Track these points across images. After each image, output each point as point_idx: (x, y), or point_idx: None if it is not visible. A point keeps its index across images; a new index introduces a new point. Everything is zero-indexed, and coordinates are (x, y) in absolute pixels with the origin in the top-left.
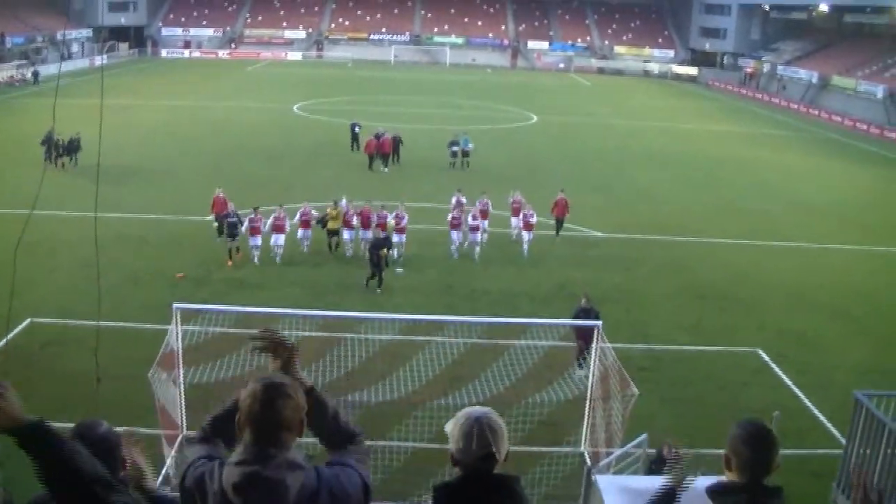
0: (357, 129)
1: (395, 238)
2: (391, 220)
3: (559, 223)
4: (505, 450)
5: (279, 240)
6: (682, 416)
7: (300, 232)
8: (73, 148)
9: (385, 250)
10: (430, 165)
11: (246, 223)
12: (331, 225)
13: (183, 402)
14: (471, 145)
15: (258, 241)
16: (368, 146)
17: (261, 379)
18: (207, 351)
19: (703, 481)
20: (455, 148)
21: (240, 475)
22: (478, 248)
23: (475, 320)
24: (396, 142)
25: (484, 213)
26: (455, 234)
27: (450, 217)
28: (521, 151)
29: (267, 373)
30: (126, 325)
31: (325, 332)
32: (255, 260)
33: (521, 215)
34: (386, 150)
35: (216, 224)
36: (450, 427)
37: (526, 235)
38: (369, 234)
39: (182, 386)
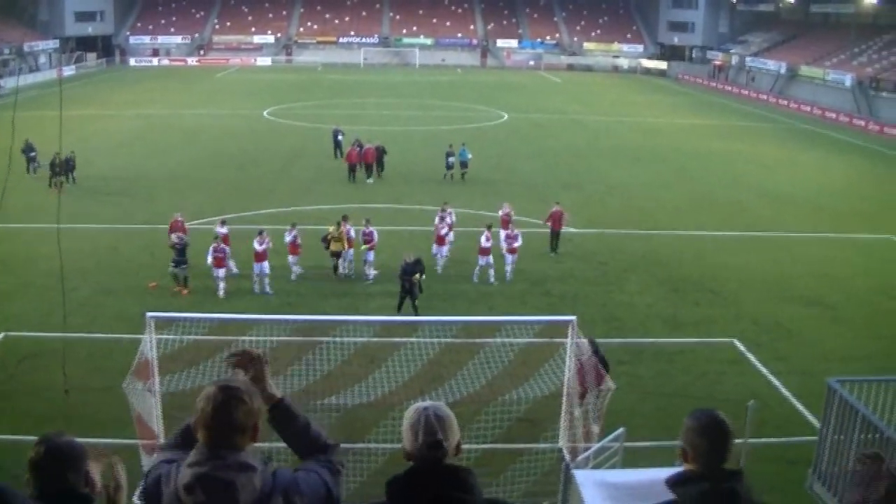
0: (340, 137)
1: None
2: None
3: (555, 237)
4: (454, 439)
5: (264, 268)
6: (660, 408)
7: (290, 258)
8: (69, 167)
9: (418, 275)
10: (413, 175)
11: (210, 253)
12: (334, 247)
13: (159, 411)
14: (469, 156)
15: (221, 272)
16: (350, 156)
17: (217, 382)
18: (182, 359)
19: (662, 473)
20: (451, 159)
21: (190, 476)
22: (492, 271)
23: (450, 320)
24: (380, 151)
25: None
26: (442, 250)
27: (443, 231)
28: (492, 150)
29: (227, 377)
30: (100, 337)
31: (301, 336)
32: (221, 293)
33: (507, 231)
34: (369, 160)
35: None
36: (404, 421)
37: (509, 258)
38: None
39: (158, 395)
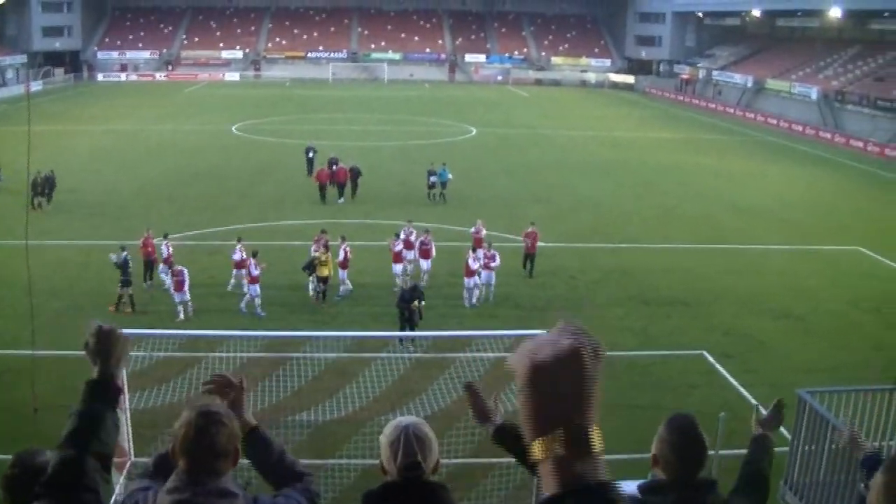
0: (312, 154)
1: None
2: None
3: (529, 259)
4: (433, 461)
5: (256, 290)
6: (631, 421)
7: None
8: (48, 186)
9: (416, 302)
10: (384, 191)
11: (168, 277)
12: (321, 271)
13: (129, 428)
14: (449, 176)
15: (185, 296)
16: (320, 175)
17: (196, 407)
18: (153, 376)
19: (635, 485)
20: (434, 178)
21: (170, 502)
22: (477, 291)
23: (420, 335)
24: (355, 172)
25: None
26: (398, 268)
27: (397, 248)
28: (461, 165)
29: (203, 401)
30: (69, 354)
31: (271, 352)
32: (181, 316)
33: (481, 250)
34: (341, 180)
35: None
36: (382, 436)
37: (485, 276)
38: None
39: (128, 412)
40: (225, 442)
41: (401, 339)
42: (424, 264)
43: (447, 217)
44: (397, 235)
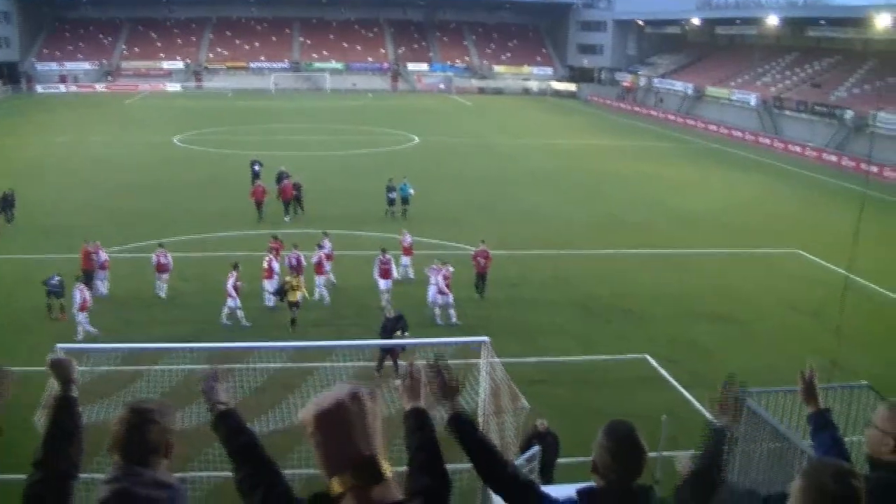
0: (257, 168)
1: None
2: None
3: (481, 279)
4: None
5: (236, 303)
6: (574, 425)
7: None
8: (6, 204)
9: (399, 333)
10: (326, 200)
11: (104, 285)
12: (292, 296)
13: None
14: (411, 191)
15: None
16: (256, 191)
17: (129, 405)
18: (95, 391)
19: (571, 488)
20: (392, 195)
21: (108, 491)
22: (452, 311)
23: (364, 343)
24: (297, 188)
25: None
26: (319, 279)
27: (315, 260)
28: (403, 174)
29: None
30: (12, 370)
31: (214, 363)
32: (79, 335)
33: (437, 278)
34: (287, 197)
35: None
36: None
37: (442, 299)
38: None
39: None
40: (155, 438)
41: (379, 368)
42: (383, 284)
43: (390, 227)
44: (319, 246)
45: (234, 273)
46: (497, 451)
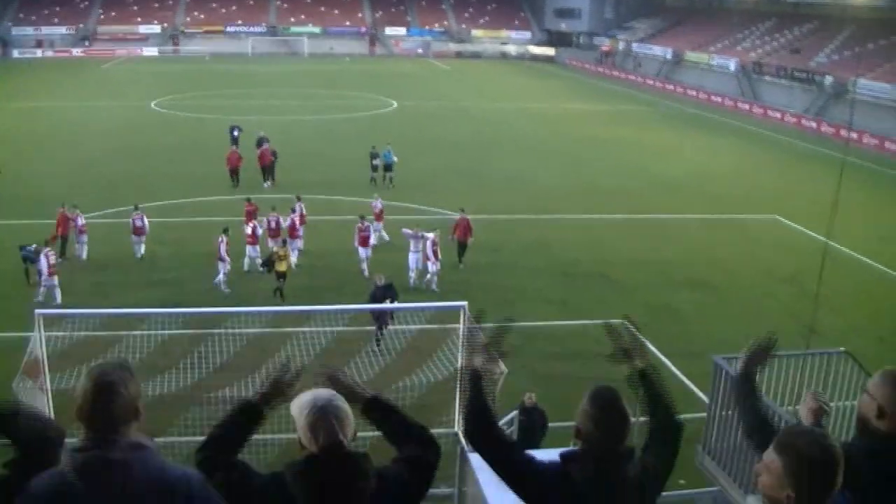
0: (236, 133)
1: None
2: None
3: (462, 248)
4: (351, 433)
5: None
6: (552, 390)
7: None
8: None
9: (388, 301)
10: (304, 165)
11: (84, 249)
12: (279, 266)
13: (51, 407)
14: (394, 158)
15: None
16: (231, 157)
17: (92, 376)
18: (73, 356)
19: (556, 453)
20: (376, 161)
21: (82, 458)
22: (435, 279)
23: (342, 308)
24: (274, 154)
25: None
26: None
27: (288, 223)
28: (382, 139)
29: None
30: None
31: (192, 329)
32: (57, 298)
33: (425, 244)
34: (265, 163)
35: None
36: (295, 411)
37: (432, 267)
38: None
39: (49, 393)
40: (120, 410)
41: (377, 341)
42: (363, 252)
43: (367, 193)
44: (292, 210)
45: (225, 237)
46: (489, 409)
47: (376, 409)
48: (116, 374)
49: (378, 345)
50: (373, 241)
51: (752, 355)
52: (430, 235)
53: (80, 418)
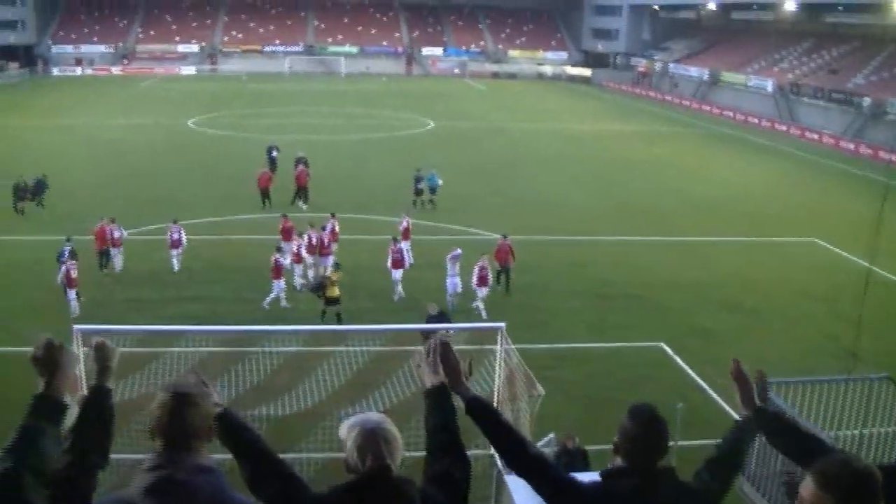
0: (274, 154)
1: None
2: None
3: (503, 272)
4: (399, 458)
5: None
6: (588, 413)
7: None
8: (39, 189)
9: (448, 332)
10: (337, 184)
11: (120, 260)
12: (330, 293)
13: None
14: (439, 181)
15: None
16: (261, 178)
17: (169, 388)
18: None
19: (592, 476)
20: (420, 185)
21: (151, 479)
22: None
23: (379, 328)
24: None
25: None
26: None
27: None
28: (418, 159)
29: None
30: (25, 350)
31: (229, 346)
32: (73, 311)
33: (407, 241)
34: (301, 183)
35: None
36: (343, 433)
37: (480, 293)
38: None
39: None
40: (198, 421)
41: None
42: (395, 274)
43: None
44: (323, 228)
45: (300, 240)
46: (517, 432)
47: (477, 409)
48: (193, 388)
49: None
50: (408, 262)
51: (748, 393)
52: (480, 261)
53: (157, 431)
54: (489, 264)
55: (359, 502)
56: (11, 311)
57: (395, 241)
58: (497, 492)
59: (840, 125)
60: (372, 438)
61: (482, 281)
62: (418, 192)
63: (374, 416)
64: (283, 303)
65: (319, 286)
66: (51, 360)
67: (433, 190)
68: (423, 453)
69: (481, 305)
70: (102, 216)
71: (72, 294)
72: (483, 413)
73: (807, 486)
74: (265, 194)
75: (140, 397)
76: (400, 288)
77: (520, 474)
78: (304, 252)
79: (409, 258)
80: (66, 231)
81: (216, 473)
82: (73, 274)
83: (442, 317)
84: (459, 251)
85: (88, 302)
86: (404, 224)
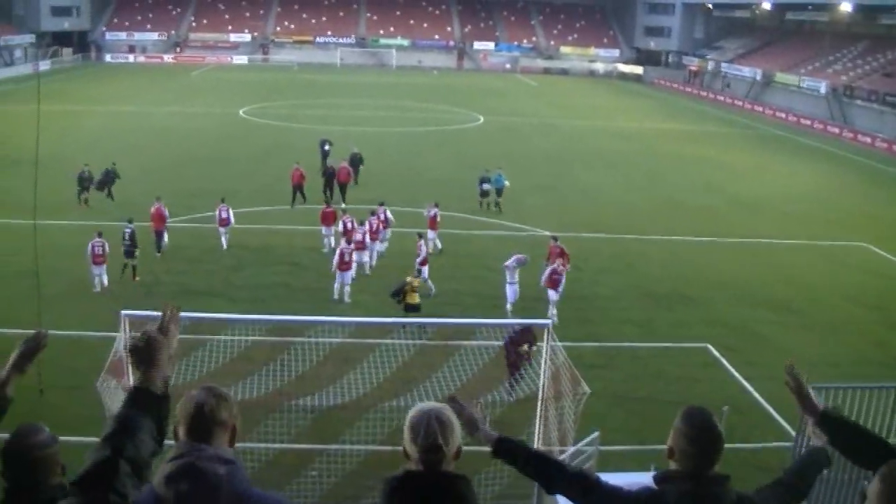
0: (327, 147)
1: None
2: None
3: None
4: (455, 444)
5: (346, 277)
6: (633, 413)
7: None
8: (108, 180)
9: (526, 347)
10: (387, 176)
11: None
12: (410, 299)
13: None
14: (506, 182)
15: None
16: (294, 175)
17: (202, 386)
18: None
19: (636, 477)
20: (486, 186)
21: (173, 466)
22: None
23: (425, 321)
24: (356, 160)
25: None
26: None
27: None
28: (468, 152)
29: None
30: (70, 334)
31: (275, 336)
32: (96, 287)
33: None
34: (344, 179)
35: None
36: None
37: (553, 295)
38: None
39: None
40: (225, 415)
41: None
42: (426, 271)
43: (453, 205)
44: (372, 213)
45: (363, 226)
46: (549, 458)
47: (507, 446)
48: (224, 390)
49: (511, 396)
50: (438, 248)
51: (807, 399)
52: (553, 265)
53: (184, 422)
54: (563, 269)
55: (406, 494)
56: (58, 294)
57: (421, 237)
58: (539, 491)
59: (894, 129)
60: (426, 417)
61: (555, 285)
62: (484, 194)
63: (433, 403)
64: (347, 298)
65: (399, 292)
66: (149, 353)
67: (499, 192)
68: (466, 448)
69: (554, 311)
70: (159, 196)
71: (97, 270)
72: (513, 449)
73: (874, 487)
74: (298, 189)
75: (185, 385)
76: (430, 284)
77: (566, 496)
78: (367, 239)
79: (438, 245)
80: (116, 217)
81: (237, 465)
82: (98, 251)
83: (527, 332)
84: (515, 260)
85: (135, 289)
86: (432, 213)
